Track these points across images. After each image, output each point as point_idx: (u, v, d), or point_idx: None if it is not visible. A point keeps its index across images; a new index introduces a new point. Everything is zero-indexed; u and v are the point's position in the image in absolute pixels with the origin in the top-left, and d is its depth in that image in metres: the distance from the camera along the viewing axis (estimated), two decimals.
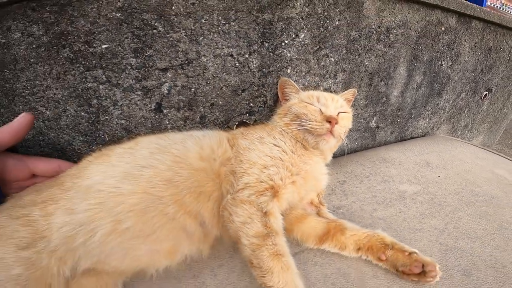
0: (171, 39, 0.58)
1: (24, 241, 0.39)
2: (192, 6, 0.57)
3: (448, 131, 1.23)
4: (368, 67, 0.78)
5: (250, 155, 0.50)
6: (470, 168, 0.81)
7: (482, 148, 1.00)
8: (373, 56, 0.78)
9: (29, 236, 0.39)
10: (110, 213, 0.41)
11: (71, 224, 0.40)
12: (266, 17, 0.63)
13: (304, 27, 0.67)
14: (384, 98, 0.87)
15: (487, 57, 1.14)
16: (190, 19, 0.58)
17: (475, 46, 1.04)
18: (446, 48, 0.93)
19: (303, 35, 0.67)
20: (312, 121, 0.54)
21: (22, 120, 0.47)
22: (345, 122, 0.60)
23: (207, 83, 0.63)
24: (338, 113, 0.58)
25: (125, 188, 0.43)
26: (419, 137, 1.07)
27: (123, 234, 0.42)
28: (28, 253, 0.38)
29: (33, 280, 0.38)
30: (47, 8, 0.52)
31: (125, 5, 0.54)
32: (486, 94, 1.34)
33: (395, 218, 0.59)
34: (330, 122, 0.54)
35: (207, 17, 0.59)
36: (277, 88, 0.67)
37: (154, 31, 0.57)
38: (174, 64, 0.60)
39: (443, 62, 0.96)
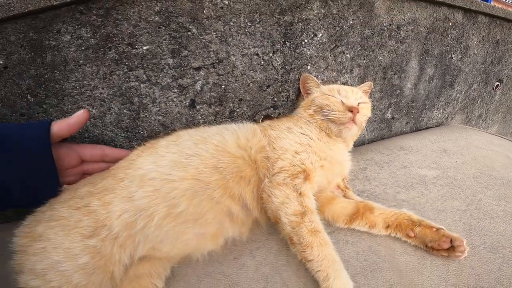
0: (203, 40, 0.64)
1: (88, 230, 0.42)
2: (221, 10, 0.63)
3: (462, 121, 1.26)
4: (381, 62, 0.83)
5: (282, 142, 0.56)
6: (486, 154, 0.83)
7: (497, 135, 1.02)
8: (385, 52, 0.82)
9: (92, 225, 0.42)
10: (165, 198, 0.45)
11: (131, 211, 0.44)
12: (287, 19, 0.69)
13: (321, 27, 0.72)
14: (398, 91, 0.91)
15: (496, 50, 1.17)
16: (220, 22, 0.64)
17: (483, 40, 1.08)
18: (455, 42, 0.97)
19: (320, 35, 0.73)
20: (335, 111, 0.59)
21: (80, 115, 0.53)
22: (365, 111, 0.65)
23: (236, 80, 0.69)
24: (358, 103, 0.63)
25: (176, 174, 0.47)
26: (433, 127, 1.10)
27: (177, 217, 0.45)
28: (93, 241, 0.41)
29: (98, 268, 0.40)
30: (93, 11, 0.57)
31: (163, 9, 0.60)
32: (498, 84, 1.36)
33: (418, 200, 0.61)
34: (351, 111, 0.58)
35: (235, 20, 0.65)
36: (299, 84, 0.72)
37: (189, 33, 0.63)
38: (207, 63, 0.65)
39: (453, 55, 0.99)
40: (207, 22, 0.63)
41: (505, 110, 1.59)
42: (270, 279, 0.46)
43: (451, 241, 0.47)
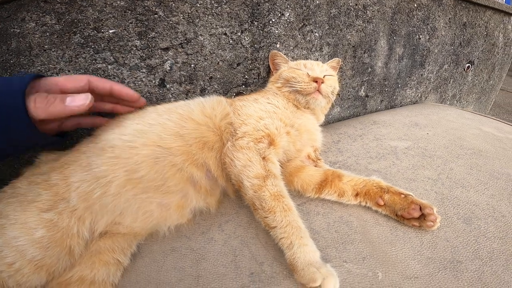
0: (170, 22, 0.65)
1: (46, 204, 0.40)
2: None
3: (436, 100, 1.29)
4: (350, 40, 0.85)
5: (247, 109, 0.55)
6: (457, 127, 0.83)
7: (469, 111, 1.05)
8: (354, 31, 0.84)
9: (51, 199, 0.41)
10: (125, 164, 0.44)
11: (88, 180, 0.42)
12: None
13: (288, 6, 0.74)
14: (369, 69, 0.93)
15: (464, 32, 1.21)
16: (187, 4, 0.64)
17: (450, 22, 1.12)
18: (422, 23, 1.01)
19: (288, 14, 0.74)
20: (301, 82, 0.60)
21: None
22: (331, 82, 0.65)
23: (205, 59, 0.69)
24: (324, 75, 0.64)
25: (138, 141, 0.46)
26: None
27: (137, 184, 0.44)
28: (49, 214, 0.39)
29: (54, 242, 0.39)
30: (58, 0, 0.58)
31: None
32: (469, 66, 1.40)
33: (389, 169, 0.61)
34: (316, 82, 0.59)
35: (201, 2, 0.66)
36: (268, 61, 0.73)
37: (155, 15, 0.63)
38: (175, 43, 0.66)
39: (421, 36, 1.02)
40: (173, 4, 0.64)
41: (479, 91, 1.64)
42: (239, 252, 0.44)
43: (420, 209, 0.45)
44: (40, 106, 0.42)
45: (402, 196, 0.47)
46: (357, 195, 0.50)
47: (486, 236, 0.45)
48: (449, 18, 1.13)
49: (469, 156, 0.67)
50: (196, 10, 0.66)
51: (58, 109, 0.43)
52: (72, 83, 0.49)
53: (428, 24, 1.02)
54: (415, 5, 0.98)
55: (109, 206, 0.43)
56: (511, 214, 0.49)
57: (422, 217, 0.45)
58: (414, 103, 1.15)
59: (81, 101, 0.45)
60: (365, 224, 0.48)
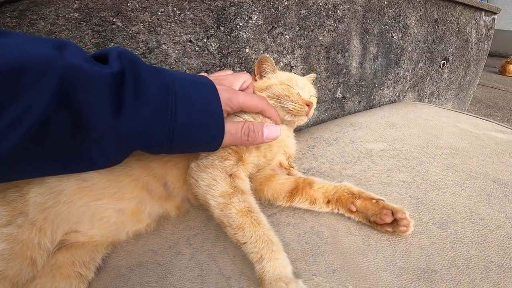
0: (130, 32, 0.61)
1: (4, 219, 0.39)
2: (147, 1, 0.61)
3: (414, 98, 1.28)
4: (322, 41, 0.83)
5: None
6: (434, 125, 0.82)
7: (445, 108, 1.04)
8: (325, 31, 0.82)
9: (9, 214, 0.39)
10: (77, 174, 0.42)
11: (43, 192, 0.41)
12: (218, 4, 0.67)
13: (256, 9, 0.71)
14: (344, 70, 0.91)
15: (436, 29, 1.22)
16: (147, 13, 0.61)
17: (421, 18, 1.11)
18: (393, 21, 1.00)
19: (255, 17, 0.71)
20: (295, 103, 0.56)
21: None
22: (315, 104, 0.64)
23: (170, 67, 0.65)
24: (310, 96, 0.62)
25: None
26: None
27: (89, 191, 0.42)
28: (9, 229, 0.38)
29: (15, 254, 0.37)
30: (7, 14, 0.53)
31: (82, 6, 0.57)
32: (444, 63, 1.41)
33: (363, 174, 0.59)
34: (308, 105, 0.57)
35: (163, 10, 0.62)
36: (253, 64, 0.69)
37: (113, 26, 0.59)
38: (136, 53, 0.62)
39: (393, 34, 1.02)
40: (132, 14, 0.60)
41: (456, 87, 1.65)
42: (205, 267, 0.42)
43: (392, 213, 0.43)
44: (233, 139, 0.40)
45: (374, 201, 0.45)
46: (328, 202, 0.48)
47: (463, 241, 0.42)
48: (420, 15, 1.12)
49: (445, 155, 0.65)
50: (158, 19, 0.62)
51: (257, 142, 0.42)
52: (251, 107, 0.45)
53: (399, 22, 1.01)
54: (386, 2, 0.97)
55: (63, 214, 0.41)
56: (490, 217, 0.46)
57: (395, 222, 0.43)
58: (393, 103, 1.14)
59: (276, 134, 0.43)
60: (337, 234, 0.45)
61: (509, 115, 2.80)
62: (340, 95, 0.93)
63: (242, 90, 0.51)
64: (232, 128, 0.40)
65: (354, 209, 0.46)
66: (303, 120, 0.59)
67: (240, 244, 0.39)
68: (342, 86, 0.92)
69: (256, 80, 0.62)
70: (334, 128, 0.80)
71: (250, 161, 0.49)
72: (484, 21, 1.62)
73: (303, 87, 0.61)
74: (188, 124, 0.35)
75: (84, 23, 0.58)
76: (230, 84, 0.47)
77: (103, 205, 0.43)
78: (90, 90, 0.28)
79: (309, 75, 0.70)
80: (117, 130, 0.30)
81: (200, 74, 0.51)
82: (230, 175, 0.44)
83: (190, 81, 0.38)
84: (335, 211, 0.48)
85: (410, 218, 0.43)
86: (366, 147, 0.69)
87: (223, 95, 0.40)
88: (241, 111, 0.46)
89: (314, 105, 0.62)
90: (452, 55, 1.43)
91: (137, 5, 0.60)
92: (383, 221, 0.43)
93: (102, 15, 0.59)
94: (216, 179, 0.42)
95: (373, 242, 0.43)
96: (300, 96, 0.58)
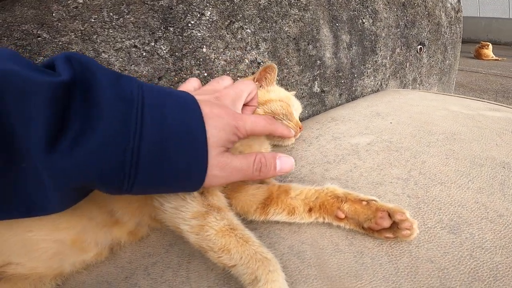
0: (60, 43, 0.51)
1: None
2: (75, 9, 0.51)
3: (397, 86, 1.19)
4: (289, 33, 0.73)
5: None
6: (423, 110, 0.72)
7: (430, 92, 0.94)
8: (291, 21, 0.73)
9: None
10: None
11: None
12: (163, 3, 0.57)
13: (208, 4, 0.61)
14: (318, 61, 0.81)
15: (405, 13, 1.14)
16: (77, 21, 0.51)
17: (389, 3, 1.04)
18: (361, 6, 0.91)
19: (209, 13, 0.61)
20: (290, 122, 0.53)
21: None
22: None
23: None
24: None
25: None
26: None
27: (17, 222, 0.34)
28: None
29: None
30: None
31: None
32: (421, 48, 1.34)
33: (350, 174, 0.48)
34: (300, 128, 0.56)
35: (96, 16, 0.53)
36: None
37: (39, 38, 0.49)
38: None
39: (364, 20, 0.93)
40: (60, 24, 0.51)
41: (438, 72, 1.58)
42: None
43: (390, 215, 0.34)
44: (243, 175, 0.32)
45: (364, 203, 0.36)
46: (310, 210, 0.38)
47: (483, 247, 0.31)
48: None
49: (441, 142, 0.55)
50: (91, 26, 0.52)
51: (268, 177, 0.35)
52: (260, 132, 0.37)
53: (368, 7, 0.93)
54: None
55: None
56: (509, 212, 0.36)
57: (395, 225, 0.33)
58: (376, 92, 1.04)
59: (290, 166, 0.36)
60: (322, 253, 0.34)
61: (495, 96, 2.75)
62: (318, 89, 0.83)
63: (246, 104, 0.40)
64: (243, 163, 0.31)
65: (343, 216, 0.36)
66: (291, 141, 0.58)
67: (228, 267, 0.32)
68: (318, 79, 0.82)
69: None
70: (314, 125, 0.69)
71: None
72: (451, 3, 1.57)
73: (297, 108, 0.60)
74: (157, 155, 0.25)
75: (6, 38, 0.49)
76: (232, 102, 0.35)
77: (35, 237, 0.36)
78: (22, 104, 0.19)
79: (291, 92, 0.63)
80: (50, 166, 0.21)
81: (191, 79, 0.41)
82: (202, 192, 0.36)
83: (161, 93, 0.27)
84: (320, 220, 0.38)
85: (412, 218, 0.33)
86: (351, 142, 0.58)
87: (231, 122, 0.30)
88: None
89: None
90: (427, 40, 1.36)
91: (64, 15, 0.51)
92: (380, 226, 0.34)
93: (24, 28, 0.49)
94: (186, 198, 0.34)
95: (368, 260, 0.32)
96: (294, 118, 0.56)
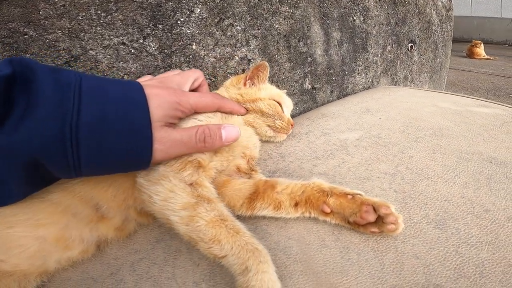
0: (47, 40, 0.50)
1: None
2: (63, 8, 0.50)
3: (388, 84, 1.19)
4: (279, 30, 0.72)
5: None
6: (411, 106, 0.72)
7: (421, 89, 0.94)
8: (281, 19, 0.72)
9: None
10: None
11: None
12: (152, 0, 0.56)
13: (197, 1, 0.60)
14: (309, 58, 0.80)
15: (396, 10, 1.14)
16: (64, 19, 0.50)
17: (380, 0, 1.04)
18: (352, 4, 0.91)
19: (198, 10, 0.60)
20: (283, 122, 0.54)
21: None
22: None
23: (104, 75, 0.53)
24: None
25: None
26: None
27: None
28: None
29: None
30: None
31: None
32: (412, 45, 1.34)
33: (338, 169, 0.47)
34: (292, 125, 0.57)
35: (84, 14, 0.52)
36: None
37: (25, 36, 0.48)
38: (59, 63, 0.51)
39: (354, 18, 0.92)
40: (47, 22, 0.50)
41: (429, 70, 1.58)
42: None
43: (374, 209, 0.33)
44: (186, 147, 0.34)
45: (349, 197, 0.35)
46: (296, 205, 0.37)
47: (469, 242, 0.31)
48: None
49: (429, 137, 0.55)
50: (79, 24, 0.51)
51: (216, 147, 0.37)
52: (205, 107, 0.40)
53: (358, 4, 0.93)
54: None
55: None
56: (496, 207, 0.35)
57: (380, 220, 0.33)
58: (367, 89, 1.04)
59: (235, 134, 0.37)
60: (308, 249, 0.33)
61: (486, 94, 2.76)
62: (309, 86, 0.82)
63: (194, 90, 0.44)
64: (184, 135, 0.33)
65: (328, 210, 0.36)
66: (283, 137, 0.58)
67: (218, 258, 0.31)
68: (309, 76, 0.81)
69: (245, 85, 0.54)
70: (304, 121, 0.68)
71: (213, 166, 0.40)
72: (442, 2, 1.57)
73: (289, 107, 0.59)
74: (98, 130, 0.27)
75: None
76: (177, 85, 0.39)
77: (16, 233, 0.35)
78: None
79: (282, 91, 0.63)
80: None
81: (144, 76, 0.44)
82: (191, 184, 0.35)
83: (104, 80, 0.30)
84: (306, 214, 0.37)
85: (397, 212, 0.33)
86: (340, 138, 0.58)
87: (170, 99, 0.33)
88: (196, 112, 0.39)
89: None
90: (418, 37, 1.36)
91: (51, 13, 0.50)
92: (365, 221, 0.33)
93: (10, 26, 0.48)
94: (174, 190, 0.34)
95: (354, 255, 0.32)
96: (286, 116, 0.56)
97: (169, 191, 0.33)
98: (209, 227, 0.31)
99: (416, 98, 0.80)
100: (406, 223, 0.34)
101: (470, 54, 4.44)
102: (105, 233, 0.39)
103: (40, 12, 0.49)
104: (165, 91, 0.33)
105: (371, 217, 0.33)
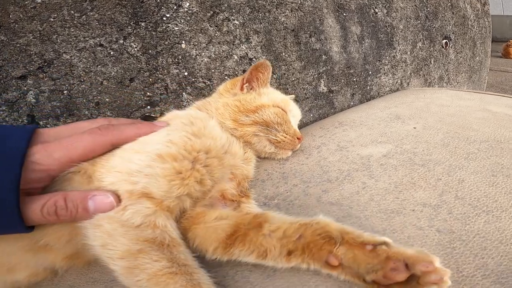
0: (18, 45, 0.44)
1: None
2: (33, 10, 0.45)
3: (421, 85, 0.99)
4: (286, 23, 0.60)
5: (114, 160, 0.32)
6: (455, 112, 0.55)
7: (464, 91, 0.75)
8: (287, 11, 0.60)
9: None
10: None
11: None
12: None
13: None
14: (323, 56, 0.66)
15: (425, 3, 0.97)
16: (35, 21, 0.45)
17: None
18: None
19: (187, 4, 0.51)
20: (287, 135, 0.41)
21: None
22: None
23: (81, 81, 0.46)
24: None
25: None
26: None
27: None
28: None
29: None
30: None
31: None
32: (447, 42, 1.13)
33: (356, 198, 0.33)
34: (298, 139, 0.43)
35: (55, 15, 0.46)
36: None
37: None
38: (31, 69, 0.44)
39: (376, 10, 0.78)
40: (16, 25, 0.44)
41: (467, 69, 1.34)
42: None
43: (407, 266, 0.22)
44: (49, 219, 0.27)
45: (369, 247, 0.24)
46: (290, 254, 0.26)
47: None
48: None
49: (484, 153, 0.40)
50: (50, 26, 0.45)
51: (79, 219, 0.29)
52: (84, 154, 0.31)
53: None
54: None
55: None
56: None
57: (414, 279, 0.22)
58: (395, 92, 0.86)
59: (108, 205, 0.29)
60: None
61: None
62: (325, 88, 0.68)
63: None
64: (30, 211, 0.26)
65: (336, 263, 0.24)
66: (287, 154, 0.45)
67: None
68: (325, 77, 0.67)
69: (242, 89, 0.42)
70: (317, 131, 0.53)
71: (174, 197, 0.29)
72: None
73: (295, 116, 0.47)
74: None
75: None
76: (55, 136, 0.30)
77: None
78: None
79: (290, 96, 0.50)
80: None
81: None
82: (138, 226, 0.27)
83: None
84: (304, 266, 0.25)
85: (442, 267, 0.21)
86: (361, 154, 0.43)
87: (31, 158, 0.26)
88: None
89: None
90: (453, 33, 1.15)
91: (21, 15, 0.45)
92: (392, 280, 0.22)
93: None
94: (112, 234, 0.27)
95: None
96: (292, 127, 0.43)
97: (107, 236, 0.27)
98: (152, 284, 0.24)
99: (461, 102, 0.62)
100: (453, 278, 0.22)
101: (506, 54, 4.00)
102: (52, 261, 0.32)
103: (10, 16, 0.44)
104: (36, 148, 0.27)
105: (401, 277, 0.22)
